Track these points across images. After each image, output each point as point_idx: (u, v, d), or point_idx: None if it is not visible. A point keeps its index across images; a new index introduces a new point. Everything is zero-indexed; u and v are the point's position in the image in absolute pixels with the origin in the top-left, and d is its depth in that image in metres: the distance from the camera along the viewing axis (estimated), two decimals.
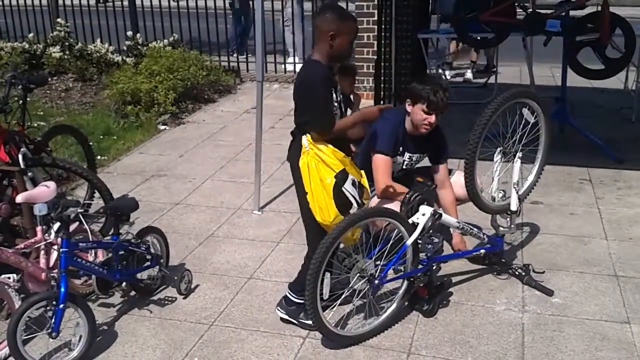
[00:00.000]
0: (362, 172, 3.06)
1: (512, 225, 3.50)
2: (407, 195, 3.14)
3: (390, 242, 3.09)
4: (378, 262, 3.06)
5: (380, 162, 3.35)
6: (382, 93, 6.66)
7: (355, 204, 2.91)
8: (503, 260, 3.63)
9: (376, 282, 2.97)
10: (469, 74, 8.26)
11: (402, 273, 3.13)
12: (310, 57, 3.03)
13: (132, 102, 6.86)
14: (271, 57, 8.58)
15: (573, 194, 4.78)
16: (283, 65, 8.58)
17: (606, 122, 6.35)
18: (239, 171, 5.41)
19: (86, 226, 3.37)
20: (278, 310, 3.23)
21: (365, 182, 3.02)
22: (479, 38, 6.08)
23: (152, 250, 3.52)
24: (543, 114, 3.44)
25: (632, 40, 5.21)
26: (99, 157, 5.70)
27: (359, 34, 3.39)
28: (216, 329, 3.24)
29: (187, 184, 5.18)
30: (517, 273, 3.57)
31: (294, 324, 3.19)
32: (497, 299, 3.43)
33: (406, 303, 3.27)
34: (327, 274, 2.84)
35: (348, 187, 2.89)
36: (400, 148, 3.45)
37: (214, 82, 7.85)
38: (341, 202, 2.89)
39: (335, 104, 2.98)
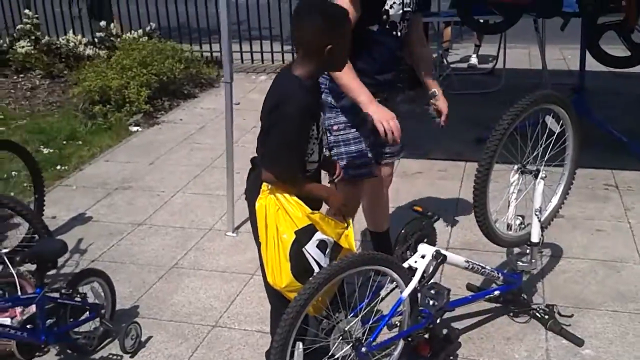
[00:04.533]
0: (350, 225, 2.35)
1: (534, 260, 2.85)
2: (402, 231, 2.48)
3: (382, 294, 2.45)
4: (367, 318, 2.42)
5: None
6: None
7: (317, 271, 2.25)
8: (522, 297, 2.99)
9: (363, 349, 2.32)
10: (473, 59, 7.54)
11: (396, 332, 2.49)
12: (290, 70, 2.28)
13: (102, 101, 6.19)
14: (257, 44, 7.91)
15: (598, 204, 4.12)
16: (270, 54, 7.89)
17: (628, 112, 5.66)
18: (215, 181, 4.76)
19: (12, 271, 2.76)
20: None
21: (349, 240, 2.32)
22: (484, 22, 5.36)
23: (92, 299, 2.88)
24: (571, 122, 2.78)
25: None
26: (58, 167, 5.09)
27: None
28: None
29: (155, 198, 4.53)
30: (538, 315, 2.92)
31: None
32: (516, 352, 2.79)
33: None
34: (299, 345, 2.20)
35: (311, 249, 2.21)
36: None
37: (194, 75, 7.17)
38: (299, 266, 2.22)
39: (315, 141, 2.31)
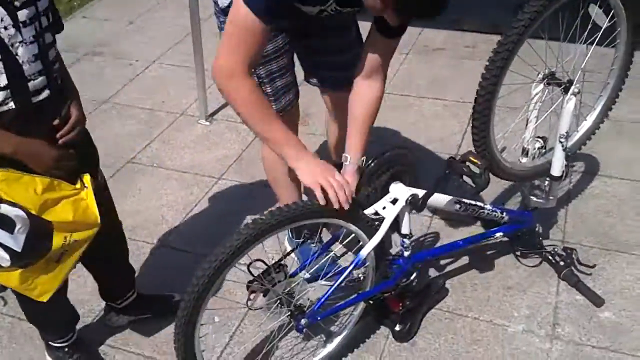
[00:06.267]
0: (88, 186, 1.67)
1: (552, 197, 2.19)
2: (371, 164, 1.84)
3: (339, 242, 1.88)
4: (314, 277, 1.87)
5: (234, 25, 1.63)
6: None
7: None
8: (534, 236, 2.38)
9: (303, 320, 1.80)
10: None
11: (355, 294, 1.94)
12: None
13: None
14: None
15: None
16: None
17: None
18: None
19: None
20: None
21: (82, 206, 1.65)
22: None
23: None
24: (625, 13, 1.96)
25: None
26: None
27: None
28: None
29: (126, 68, 3.91)
30: (552, 260, 2.33)
31: None
32: (515, 307, 2.23)
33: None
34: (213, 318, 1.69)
35: None
36: None
37: None
38: None
39: None
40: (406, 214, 1.89)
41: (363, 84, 1.84)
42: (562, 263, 2.31)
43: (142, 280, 2.38)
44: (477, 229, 2.52)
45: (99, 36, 4.29)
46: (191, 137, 3.25)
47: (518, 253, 2.40)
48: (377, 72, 1.84)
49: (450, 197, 1.94)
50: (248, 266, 1.74)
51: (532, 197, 2.22)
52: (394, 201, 1.84)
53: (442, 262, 2.41)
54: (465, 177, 1.74)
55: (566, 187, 2.74)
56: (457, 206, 1.99)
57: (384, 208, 1.84)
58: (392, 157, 1.85)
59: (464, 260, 2.42)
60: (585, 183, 2.78)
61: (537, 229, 2.39)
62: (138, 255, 2.54)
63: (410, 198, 1.83)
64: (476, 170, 1.72)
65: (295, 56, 2.13)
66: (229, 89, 1.63)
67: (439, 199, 1.93)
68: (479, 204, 2.07)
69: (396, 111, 3.33)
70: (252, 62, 1.65)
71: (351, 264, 1.81)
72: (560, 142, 2.03)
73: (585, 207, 2.65)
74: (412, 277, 2.01)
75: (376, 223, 1.82)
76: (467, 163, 1.74)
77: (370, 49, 1.81)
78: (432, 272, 2.37)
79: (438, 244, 2.50)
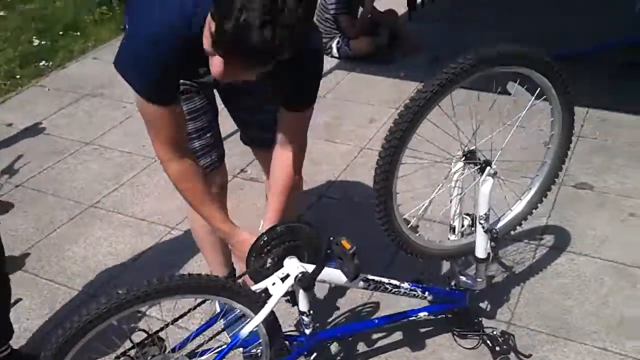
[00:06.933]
0: None
1: (479, 279, 2.02)
2: (264, 237, 1.74)
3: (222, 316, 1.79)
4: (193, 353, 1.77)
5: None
6: None
7: None
8: (470, 316, 2.20)
9: None
10: None
11: None
12: None
13: None
14: None
15: None
16: None
17: None
18: None
19: None
20: None
21: None
22: None
23: None
24: (554, 89, 1.80)
25: None
26: (42, 63, 4.63)
27: None
28: None
29: (119, 110, 3.97)
30: (490, 344, 2.15)
31: None
32: None
33: None
34: None
35: None
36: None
37: None
38: None
39: None
40: (301, 290, 1.78)
41: (279, 156, 1.81)
42: (498, 348, 2.12)
43: None
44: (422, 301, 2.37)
45: (104, 77, 4.38)
46: (160, 184, 3.23)
47: (456, 333, 2.23)
48: (292, 143, 1.79)
49: (354, 274, 1.81)
50: (129, 336, 1.68)
51: (461, 277, 2.06)
52: (285, 277, 1.73)
53: (374, 336, 2.27)
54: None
55: (528, 262, 2.55)
56: (362, 283, 1.86)
57: (273, 284, 1.73)
58: (286, 231, 1.75)
59: (397, 335, 2.26)
60: (550, 259, 2.57)
61: (473, 309, 2.22)
62: (66, 305, 2.51)
63: (300, 275, 1.72)
64: (346, 254, 1.60)
65: (219, 117, 2.08)
66: (164, 168, 1.69)
67: (337, 277, 1.80)
68: (391, 281, 1.93)
69: (370, 167, 3.22)
70: (175, 140, 1.65)
71: (230, 342, 1.71)
72: (481, 223, 1.87)
73: (543, 286, 2.45)
74: (312, 357, 1.88)
75: (263, 300, 1.72)
76: (339, 246, 1.62)
77: (282, 121, 1.75)
78: (361, 347, 2.24)
79: (376, 315, 2.36)
